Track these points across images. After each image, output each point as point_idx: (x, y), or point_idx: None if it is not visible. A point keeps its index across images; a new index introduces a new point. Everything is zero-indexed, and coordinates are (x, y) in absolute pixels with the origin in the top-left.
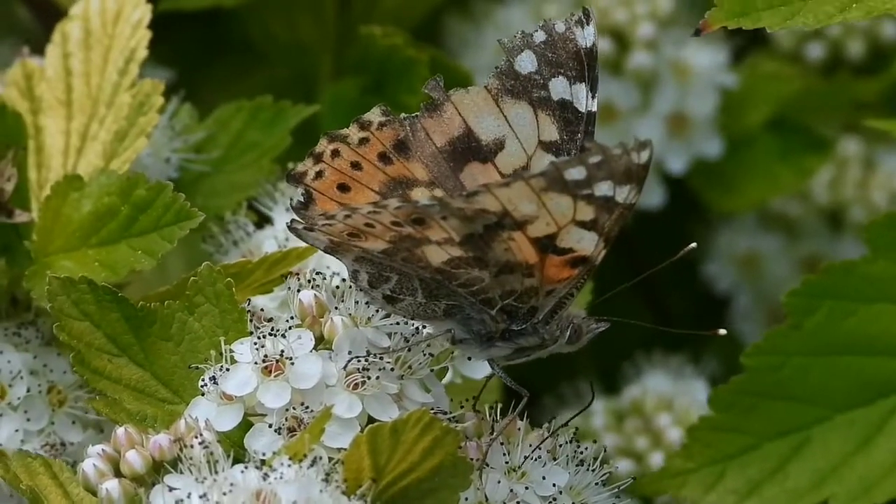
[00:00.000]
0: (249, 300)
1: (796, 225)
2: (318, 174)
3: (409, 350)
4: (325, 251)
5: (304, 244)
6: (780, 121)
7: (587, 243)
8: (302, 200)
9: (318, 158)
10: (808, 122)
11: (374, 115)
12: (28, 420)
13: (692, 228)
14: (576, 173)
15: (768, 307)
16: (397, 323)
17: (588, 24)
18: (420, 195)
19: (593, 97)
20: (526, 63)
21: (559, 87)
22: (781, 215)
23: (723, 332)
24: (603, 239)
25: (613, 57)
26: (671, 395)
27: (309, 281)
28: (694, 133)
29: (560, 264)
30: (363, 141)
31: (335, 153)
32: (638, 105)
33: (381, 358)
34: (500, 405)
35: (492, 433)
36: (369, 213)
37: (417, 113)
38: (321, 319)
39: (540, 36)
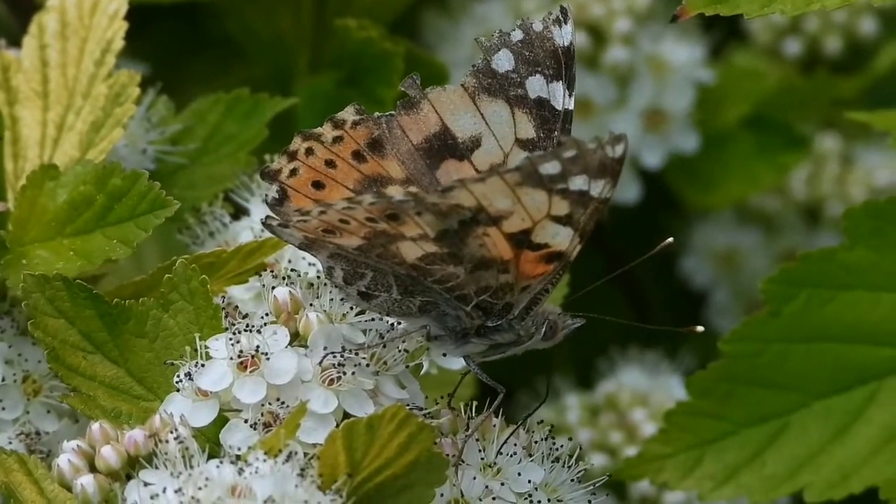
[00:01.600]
0: (224, 296)
1: (774, 220)
2: (293, 172)
3: (385, 346)
4: (300, 248)
5: None
6: (758, 117)
7: (562, 239)
8: (276, 197)
9: (292, 156)
10: (785, 118)
11: (348, 113)
12: (3, 409)
13: (669, 223)
14: (550, 168)
15: (746, 302)
16: (372, 319)
17: (566, 23)
18: (395, 193)
19: (570, 95)
20: (503, 62)
21: (536, 86)
22: (759, 211)
23: (700, 329)
24: (578, 234)
25: (590, 52)
26: (646, 391)
27: (284, 277)
28: (670, 128)
29: (535, 260)
30: (337, 139)
31: (309, 151)
32: (614, 100)
33: (356, 354)
34: (475, 402)
35: (467, 430)
36: (344, 209)
37: (393, 111)
38: (296, 316)
39: (517, 35)
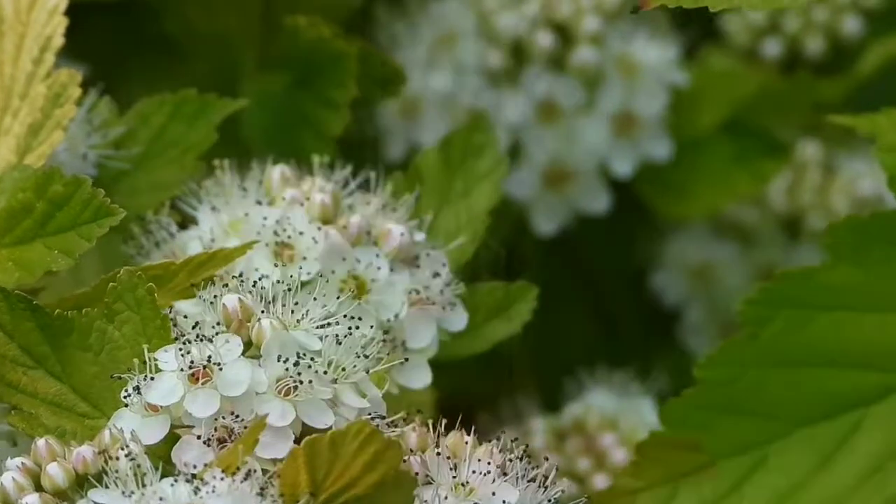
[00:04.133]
0: (172, 307)
1: (752, 233)
2: None
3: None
4: None
5: (230, 245)
6: (735, 122)
7: None
8: None
9: None
10: (764, 123)
11: None
12: None
13: (640, 236)
14: None
15: (721, 321)
16: (329, 324)
17: None
18: None
19: None
20: None
21: None
22: (736, 223)
23: None
24: None
25: (557, 52)
26: (616, 414)
27: (234, 286)
28: (642, 134)
29: None
30: None
31: None
32: (582, 103)
33: (313, 360)
34: (444, 420)
35: (436, 447)
36: None
37: None
38: (248, 323)
39: None
